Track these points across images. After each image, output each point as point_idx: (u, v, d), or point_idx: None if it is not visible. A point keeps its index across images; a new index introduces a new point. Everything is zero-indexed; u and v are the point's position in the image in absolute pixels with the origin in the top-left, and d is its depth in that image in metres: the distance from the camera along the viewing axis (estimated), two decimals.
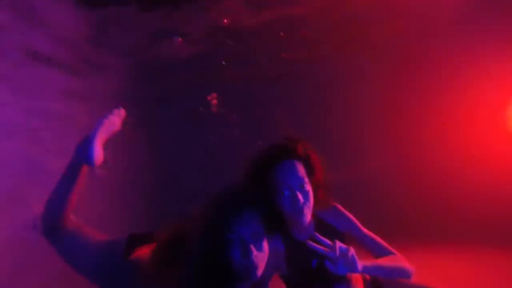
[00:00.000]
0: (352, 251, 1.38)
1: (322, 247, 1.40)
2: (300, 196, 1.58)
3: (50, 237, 1.81)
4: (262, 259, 1.36)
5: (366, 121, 8.13)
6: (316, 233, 1.43)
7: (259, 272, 1.36)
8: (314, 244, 1.40)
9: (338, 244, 1.38)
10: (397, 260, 1.62)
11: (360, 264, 1.39)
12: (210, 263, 1.31)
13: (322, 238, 1.42)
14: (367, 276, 1.79)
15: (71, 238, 1.78)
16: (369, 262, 1.48)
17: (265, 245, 1.39)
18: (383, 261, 1.58)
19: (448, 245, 5.25)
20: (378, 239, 1.74)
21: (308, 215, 1.62)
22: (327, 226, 1.74)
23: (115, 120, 1.79)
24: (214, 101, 7.74)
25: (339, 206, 1.82)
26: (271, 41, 6.12)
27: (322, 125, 8.15)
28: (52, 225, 1.76)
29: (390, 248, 1.70)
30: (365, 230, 1.77)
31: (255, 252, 1.33)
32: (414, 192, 7.00)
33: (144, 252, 1.60)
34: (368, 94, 7.89)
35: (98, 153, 1.68)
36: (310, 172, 1.67)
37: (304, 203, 1.59)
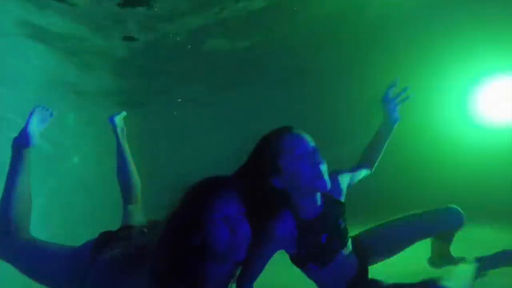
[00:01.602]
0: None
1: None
2: (318, 158, 1.52)
3: (4, 251, 1.80)
4: (246, 239, 1.40)
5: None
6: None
7: (244, 251, 1.39)
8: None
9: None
10: None
11: None
12: (191, 244, 1.34)
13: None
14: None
15: (29, 249, 1.77)
16: None
17: (247, 226, 1.41)
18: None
19: None
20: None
21: (328, 180, 1.54)
22: (335, 201, 1.71)
23: (43, 113, 2.16)
24: None
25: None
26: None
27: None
28: (6, 232, 1.80)
29: None
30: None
31: (241, 231, 1.37)
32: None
33: (114, 249, 1.61)
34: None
35: (33, 136, 2.01)
36: None
37: (323, 166, 1.54)
